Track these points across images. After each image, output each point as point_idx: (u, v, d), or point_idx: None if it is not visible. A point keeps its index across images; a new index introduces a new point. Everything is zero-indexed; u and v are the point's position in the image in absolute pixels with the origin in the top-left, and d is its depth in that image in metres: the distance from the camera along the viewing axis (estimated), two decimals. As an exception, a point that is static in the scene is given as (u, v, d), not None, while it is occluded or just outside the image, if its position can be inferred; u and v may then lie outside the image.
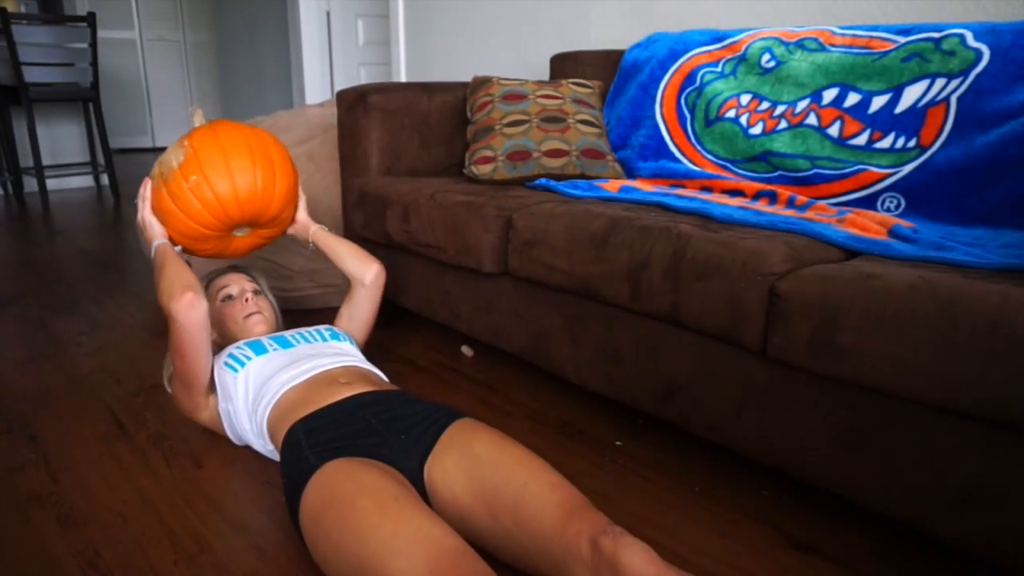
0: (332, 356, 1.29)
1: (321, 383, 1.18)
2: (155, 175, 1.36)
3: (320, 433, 1.05)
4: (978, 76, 1.32)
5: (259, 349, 1.30)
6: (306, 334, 1.39)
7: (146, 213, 1.36)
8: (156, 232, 1.36)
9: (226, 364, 1.28)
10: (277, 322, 1.49)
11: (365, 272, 1.51)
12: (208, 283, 1.47)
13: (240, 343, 1.33)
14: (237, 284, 1.45)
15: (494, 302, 1.55)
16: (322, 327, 1.44)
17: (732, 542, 1.09)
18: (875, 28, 1.53)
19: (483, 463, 0.95)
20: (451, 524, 0.90)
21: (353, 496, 0.87)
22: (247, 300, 1.42)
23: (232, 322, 1.40)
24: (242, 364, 1.27)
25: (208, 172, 1.32)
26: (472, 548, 0.81)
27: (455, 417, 1.08)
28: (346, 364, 1.27)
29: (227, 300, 1.42)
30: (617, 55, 2.03)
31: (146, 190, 1.37)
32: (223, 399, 1.28)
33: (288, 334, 1.38)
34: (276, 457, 1.19)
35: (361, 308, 1.53)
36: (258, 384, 1.24)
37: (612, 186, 1.62)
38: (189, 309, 1.19)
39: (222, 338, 1.42)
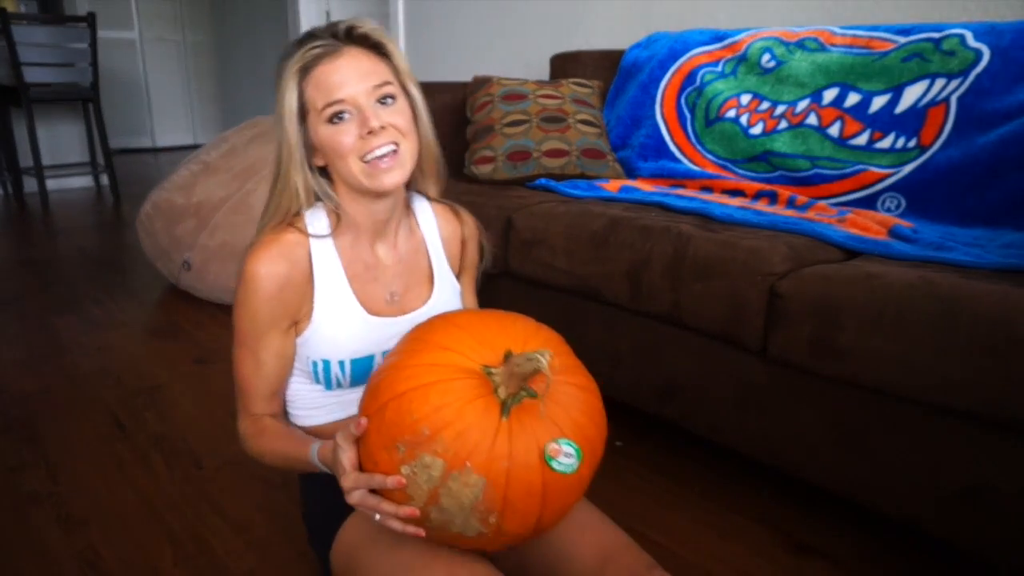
0: None
1: None
2: (414, 500, 0.70)
3: None
4: (978, 76, 1.32)
5: (326, 381, 0.90)
6: None
7: (359, 499, 0.72)
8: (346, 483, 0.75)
9: (315, 365, 0.88)
10: (425, 155, 0.92)
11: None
12: (297, 69, 0.80)
13: (348, 358, 0.87)
14: (349, 83, 0.79)
15: (494, 302, 1.54)
16: None
17: (733, 542, 1.09)
18: (875, 28, 1.53)
19: None
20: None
21: (399, 536, 0.74)
22: (371, 130, 0.79)
23: (344, 161, 0.81)
24: (329, 387, 0.90)
25: (488, 549, 0.80)
26: None
27: None
28: None
29: (336, 121, 0.80)
30: (617, 55, 2.03)
31: (375, 481, 0.71)
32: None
33: (384, 349, 0.91)
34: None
35: None
36: (298, 405, 0.94)
37: (612, 186, 1.62)
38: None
39: (331, 167, 0.84)
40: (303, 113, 0.81)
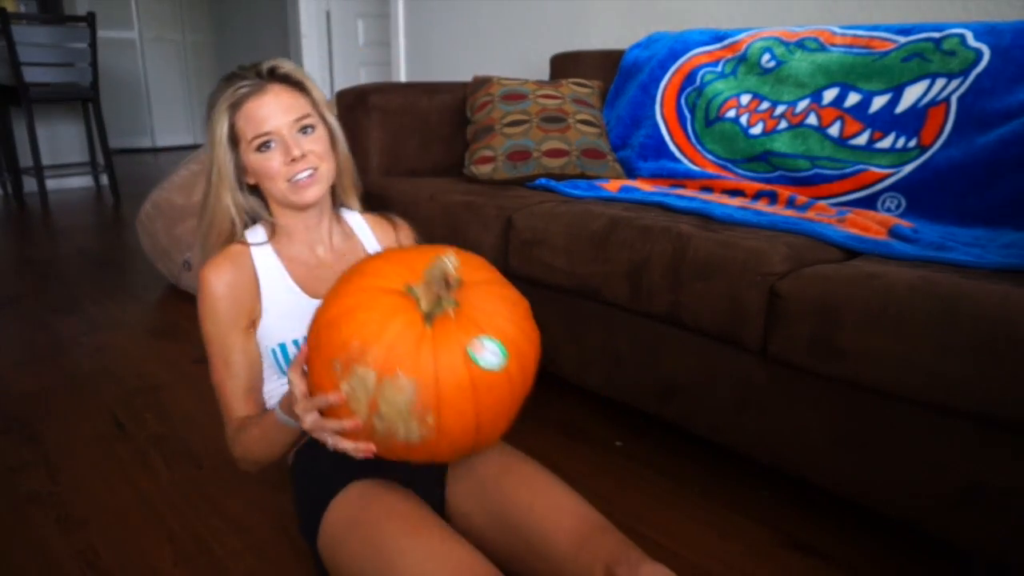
0: None
1: None
2: (358, 414, 0.77)
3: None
4: (978, 76, 1.32)
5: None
6: None
7: (313, 421, 0.81)
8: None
9: (275, 354, 0.99)
10: (342, 172, 1.05)
11: None
12: (227, 105, 0.94)
13: (275, 344, 0.98)
14: (275, 119, 0.92)
15: (494, 302, 1.55)
16: None
17: (732, 542, 1.09)
18: (875, 28, 1.53)
19: (489, 485, 0.91)
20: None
21: (380, 519, 0.83)
22: (294, 158, 0.93)
23: (272, 183, 0.95)
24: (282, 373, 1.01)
25: (440, 458, 0.86)
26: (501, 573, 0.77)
27: None
28: None
29: (263, 149, 0.93)
30: (617, 55, 2.03)
31: (318, 400, 0.79)
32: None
33: None
34: None
35: None
36: (271, 387, 1.03)
37: (612, 186, 1.62)
38: (245, 471, 1.01)
39: (261, 186, 0.98)
40: (234, 141, 0.95)
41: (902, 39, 1.45)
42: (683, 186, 1.67)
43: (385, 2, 3.35)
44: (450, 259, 0.75)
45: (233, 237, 0.98)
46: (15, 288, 2.36)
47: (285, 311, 0.97)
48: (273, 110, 0.92)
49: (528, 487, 0.88)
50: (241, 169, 0.96)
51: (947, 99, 1.35)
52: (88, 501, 1.17)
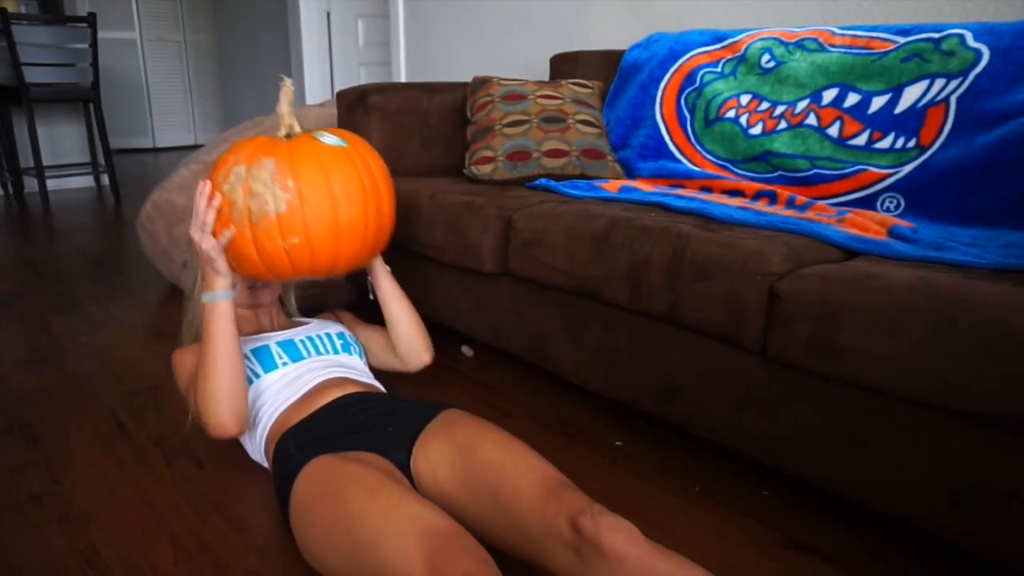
0: (336, 368, 1.24)
1: (313, 393, 1.17)
2: (238, 207, 1.01)
3: (307, 434, 1.05)
4: (978, 76, 1.33)
5: (269, 364, 1.21)
6: (319, 343, 1.28)
7: (209, 243, 1.06)
8: (220, 282, 1.10)
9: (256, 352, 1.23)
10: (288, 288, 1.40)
11: (413, 359, 1.37)
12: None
13: (248, 351, 1.21)
14: None
15: (494, 302, 1.55)
16: (336, 332, 1.33)
17: (732, 542, 1.09)
18: (875, 28, 1.53)
19: (462, 449, 0.95)
20: None
21: (342, 486, 0.87)
22: (253, 287, 1.28)
23: (239, 300, 1.27)
24: (250, 382, 1.19)
25: (314, 237, 1.03)
26: (463, 528, 0.81)
27: (441, 409, 1.08)
28: (345, 376, 1.23)
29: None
30: (617, 55, 2.03)
31: (208, 208, 1.06)
32: None
33: (299, 338, 1.27)
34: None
35: (387, 364, 1.41)
36: (258, 405, 1.18)
37: (612, 186, 1.62)
38: (225, 435, 1.11)
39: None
40: None
41: (901, 39, 1.45)
42: (683, 186, 1.67)
43: (385, 2, 3.35)
44: (287, 81, 1.09)
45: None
46: (15, 288, 2.36)
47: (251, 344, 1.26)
48: None
49: (499, 449, 0.93)
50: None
51: (946, 99, 1.36)
52: (89, 501, 1.18)
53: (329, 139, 1.07)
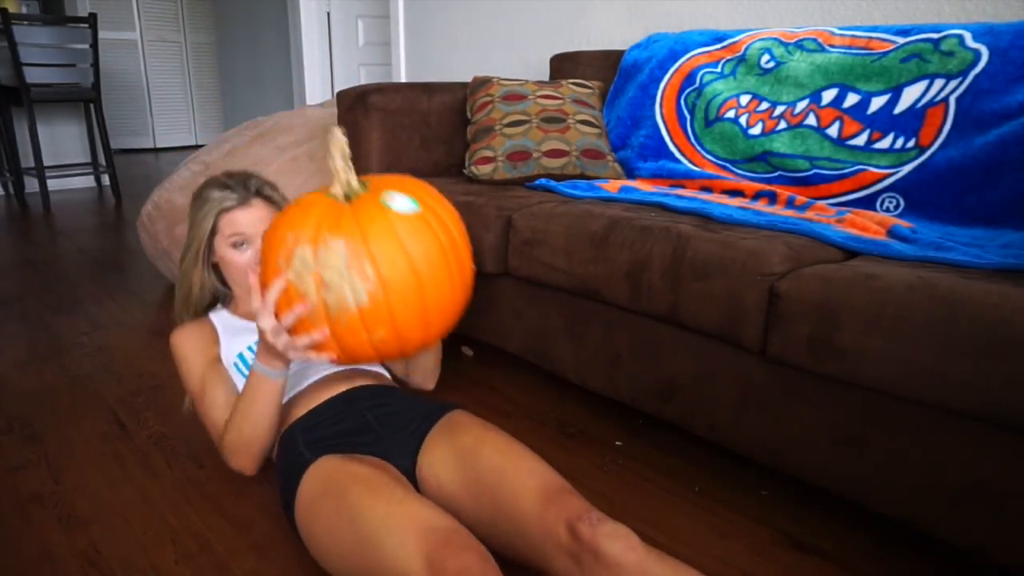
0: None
1: (319, 385, 1.17)
2: (311, 299, 0.86)
3: (316, 430, 1.06)
4: (977, 76, 1.33)
5: None
6: None
7: (283, 341, 0.95)
8: (279, 363, 1.02)
9: (237, 367, 1.19)
10: None
11: (417, 380, 1.39)
12: (217, 210, 1.16)
13: (252, 342, 1.18)
14: (252, 226, 1.16)
15: (494, 302, 1.55)
16: None
17: (732, 542, 1.09)
18: (874, 29, 1.53)
19: (465, 453, 0.97)
20: None
21: (346, 484, 0.89)
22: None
23: (236, 274, 1.20)
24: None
25: (402, 325, 0.89)
26: (462, 526, 0.82)
27: (447, 411, 1.09)
28: (353, 368, 1.23)
29: (238, 247, 1.17)
30: (617, 55, 2.03)
31: (270, 292, 0.92)
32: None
33: None
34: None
35: (391, 362, 1.38)
36: None
37: (612, 186, 1.62)
38: (243, 473, 1.16)
39: (224, 272, 1.23)
40: (212, 232, 1.17)
41: (901, 40, 1.45)
42: (683, 186, 1.67)
43: (385, 2, 3.35)
44: (336, 130, 0.89)
45: (201, 304, 1.25)
46: (16, 288, 2.37)
47: (235, 331, 1.21)
48: (253, 220, 1.16)
49: (501, 454, 0.94)
50: (211, 252, 1.20)
51: (946, 100, 1.36)
52: (89, 500, 1.18)
53: (399, 204, 0.89)
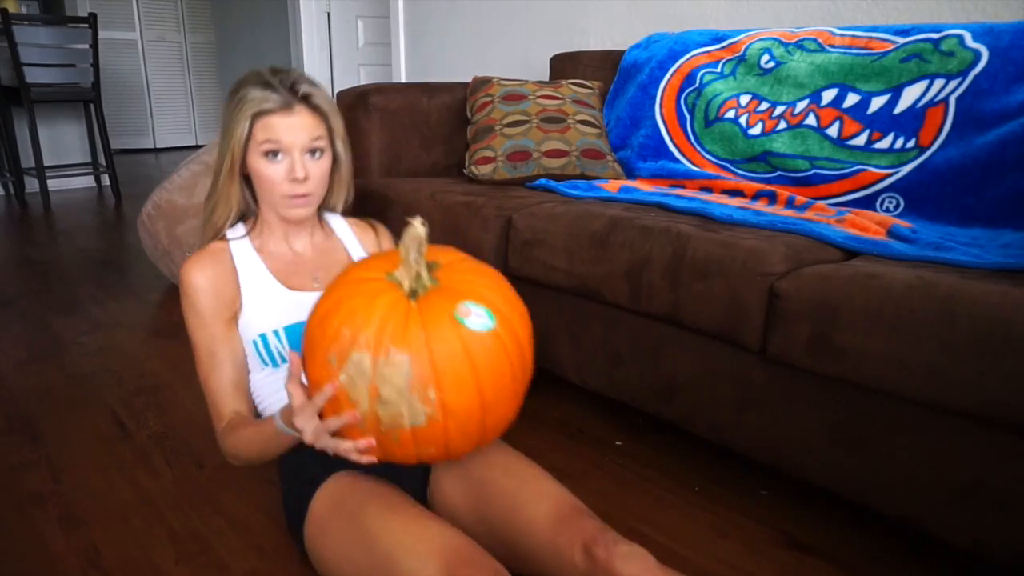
0: None
1: None
2: (362, 408, 0.76)
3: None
4: (977, 77, 1.33)
5: (271, 358, 1.03)
6: None
7: (325, 442, 0.81)
8: (314, 443, 0.83)
9: (255, 345, 1.01)
10: (332, 190, 1.08)
11: None
12: (252, 112, 0.97)
13: (256, 335, 1.01)
14: (290, 134, 0.97)
15: (494, 302, 1.55)
16: None
17: (732, 542, 1.09)
18: (874, 29, 1.53)
19: (475, 476, 0.94)
20: None
21: (362, 502, 0.87)
22: (295, 178, 0.97)
23: (268, 190, 0.99)
24: (275, 365, 1.03)
25: (454, 445, 0.81)
26: (480, 546, 0.81)
27: None
28: None
29: (271, 156, 0.97)
30: (617, 55, 2.03)
31: (319, 397, 0.78)
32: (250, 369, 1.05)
33: None
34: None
35: None
36: (259, 397, 1.05)
37: (612, 186, 1.62)
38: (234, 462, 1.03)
39: (255, 185, 1.02)
40: (246, 140, 0.99)
41: (901, 40, 1.45)
42: (683, 186, 1.67)
43: (385, 2, 3.35)
44: (416, 221, 0.77)
45: (230, 221, 1.04)
46: (16, 288, 2.37)
47: (263, 302, 1.01)
48: (293, 129, 0.97)
49: (513, 476, 0.92)
50: (243, 163, 1.01)
51: (946, 100, 1.36)
52: (90, 500, 1.18)
53: (474, 322, 0.77)
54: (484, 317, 0.78)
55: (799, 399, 1.04)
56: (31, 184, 4.00)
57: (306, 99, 0.99)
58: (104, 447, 1.35)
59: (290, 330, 1.01)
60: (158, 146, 6.24)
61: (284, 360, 1.02)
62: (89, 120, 4.20)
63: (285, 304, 1.02)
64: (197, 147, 6.25)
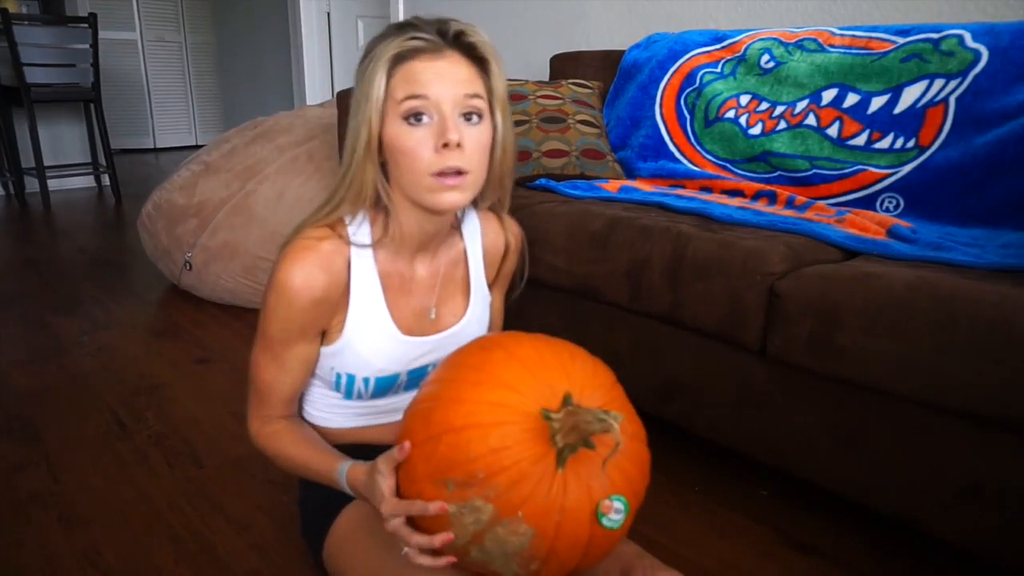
0: None
1: (373, 428, 0.95)
2: (457, 541, 0.68)
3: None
4: (977, 76, 1.33)
5: (347, 389, 0.88)
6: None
7: (395, 530, 0.70)
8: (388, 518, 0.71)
9: (336, 375, 0.87)
10: (489, 182, 0.84)
11: None
12: (391, 55, 0.74)
13: (370, 374, 0.85)
14: (439, 84, 0.73)
15: (494, 302, 1.55)
16: None
17: (732, 542, 1.09)
18: (874, 29, 1.53)
19: None
20: None
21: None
22: (447, 143, 0.72)
23: (410, 166, 0.75)
24: (348, 398, 0.90)
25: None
26: None
27: None
28: None
29: (413, 120, 0.74)
30: (617, 55, 2.03)
31: (418, 510, 0.68)
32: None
33: (412, 366, 0.89)
34: None
35: None
36: (306, 401, 0.94)
37: (612, 186, 1.63)
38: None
39: (390, 168, 0.78)
40: (383, 102, 0.74)
41: (901, 40, 1.45)
42: (683, 186, 1.67)
43: (385, 2, 3.35)
44: (618, 420, 0.63)
45: (355, 212, 0.81)
46: (15, 288, 2.37)
47: (368, 344, 0.84)
48: (443, 77, 0.73)
49: None
50: (380, 138, 0.76)
51: (946, 100, 1.36)
52: (90, 500, 1.18)
53: (613, 517, 0.71)
54: (621, 513, 0.71)
55: (799, 399, 1.04)
56: (31, 184, 4.00)
57: (460, 42, 0.76)
58: (104, 447, 1.35)
59: (381, 380, 0.87)
60: (158, 146, 6.24)
61: (360, 397, 0.89)
62: (89, 120, 4.20)
63: (390, 350, 0.85)
64: (197, 147, 6.25)
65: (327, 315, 0.81)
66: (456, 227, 0.92)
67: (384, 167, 0.79)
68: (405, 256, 0.85)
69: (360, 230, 0.82)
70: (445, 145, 0.72)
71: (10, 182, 4.01)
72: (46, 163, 3.91)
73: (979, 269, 0.99)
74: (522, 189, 1.67)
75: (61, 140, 4.27)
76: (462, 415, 0.67)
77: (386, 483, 0.69)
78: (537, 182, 1.68)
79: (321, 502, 0.89)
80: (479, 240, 0.93)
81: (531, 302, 1.47)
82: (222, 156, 2.26)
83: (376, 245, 0.82)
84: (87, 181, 4.47)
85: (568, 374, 0.71)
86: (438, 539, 0.66)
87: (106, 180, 4.39)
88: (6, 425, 1.43)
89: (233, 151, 2.26)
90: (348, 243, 0.80)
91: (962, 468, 0.88)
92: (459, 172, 0.74)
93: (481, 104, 0.76)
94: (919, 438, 0.92)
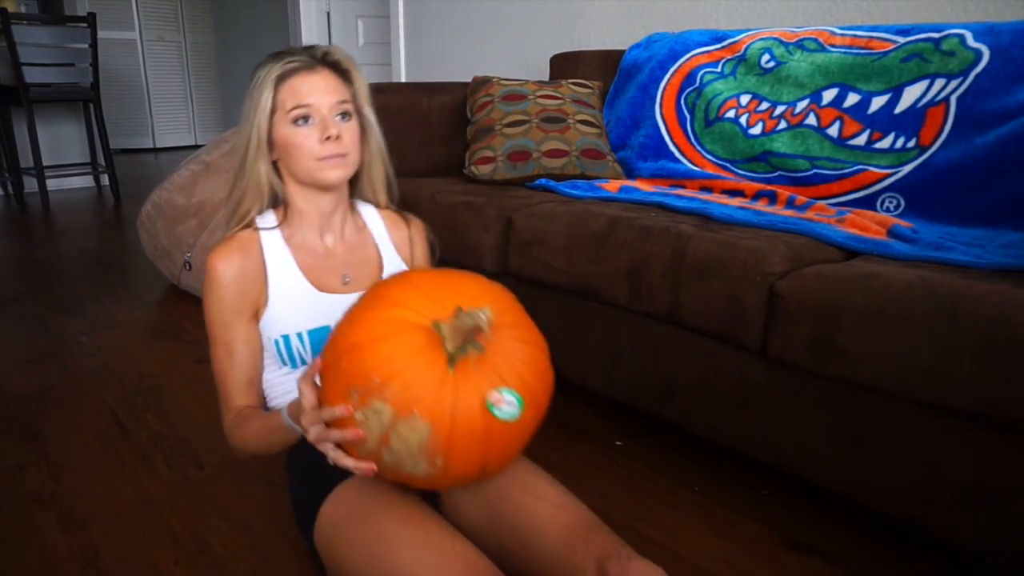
0: None
1: None
2: (367, 445, 0.76)
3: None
4: (977, 76, 1.33)
5: (290, 358, 0.99)
6: None
7: (320, 440, 0.79)
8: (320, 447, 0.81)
9: (277, 345, 0.97)
10: (365, 163, 1.04)
11: None
12: (275, 76, 0.94)
13: (278, 335, 0.97)
14: (318, 94, 0.94)
15: (494, 302, 1.55)
16: None
17: (732, 542, 1.09)
18: (875, 28, 1.53)
19: (486, 488, 0.92)
20: None
21: (379, 511, 0.84)
22: (329, 136, 0.93)
23: (299, 157, 0.94)
24: (294, 365, 0.99)
25: (446, 488, 0.88)
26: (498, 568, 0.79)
27: None
28: None
29: (300, 123, 0.93)
30: (617, 55, 2.03)
31: (328, 415, 0.76)
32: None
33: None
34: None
35: None
36: (272, 396, 1.02)
37: (612, 186, 1.62)
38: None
39: (283, 162, 0.97)
40: (272, 112, 0.94)
41: (901, 39, 1.45)
42: (683, 186, 1.67)
43: (385, 2, 3.35)
44: (486, 313, 0.72)
45: (260, 208, 0.99)
46: (15, 288, 2.37)
47: (291, 303, 0.97)
48: (319, 88, 0.94)
49: (524, 487, 0.90)
50: (269, 143, 0.96)
51: (946, 99, 1.36)
52: (89, 501, 1.18)
53: (505, 408, 0.78)
54: (514, 406, 0.78)
55: (799, 399, 1.04)
56: (30, 184, 3.99)
57: (327, 61, 0.97)
58: (103, 447, 1.35)
59: (314, 333, 0.98)
60: (157, 146, 6.24)
61: (303, 362, 0.99)
62: (88, 120, 4.20)
63: (312, 306, 0.98)
64: (197, 147, 6.25)
65: (252, 292, 0.96)
66: (356, 212, 1.08)
67: (276, 165, 0.98)
68: (312, 234, 1.01)
69: (265, 219, 0.99)
70: (328, 138, 0.92)
71: (9, 182, 4.01)
72: (45, 163, 3.91)
73: (980, 269, 0.99)
74: (522, 189, 1.67)
75: (60, 140, 4.26)
76: (357, 332, 0.76)
77: (307, 399, 0.77)
78: (537, 182, 1.68)
79: (310, 490, 0.93)
80: (384, 229, 1.09)
81: (531, 302, 1.46)
82: (222, 156, 2.26)
83: (282, 226, 1.00)
84: (86, 181, 4.47)
85: (459, 292, 0.79)
86: (349, 432, 0.74)
87: (105, 180, 4.39)
88: (6, 425, 1.43)
89: (233, 151, 2.26)
90: (257, 229, 0.98)
91: (962, 468, 0.88)
92: (341, 155, 0.95)
93: (349, 106, 0.97)
94: (919, 438, 0.92)
